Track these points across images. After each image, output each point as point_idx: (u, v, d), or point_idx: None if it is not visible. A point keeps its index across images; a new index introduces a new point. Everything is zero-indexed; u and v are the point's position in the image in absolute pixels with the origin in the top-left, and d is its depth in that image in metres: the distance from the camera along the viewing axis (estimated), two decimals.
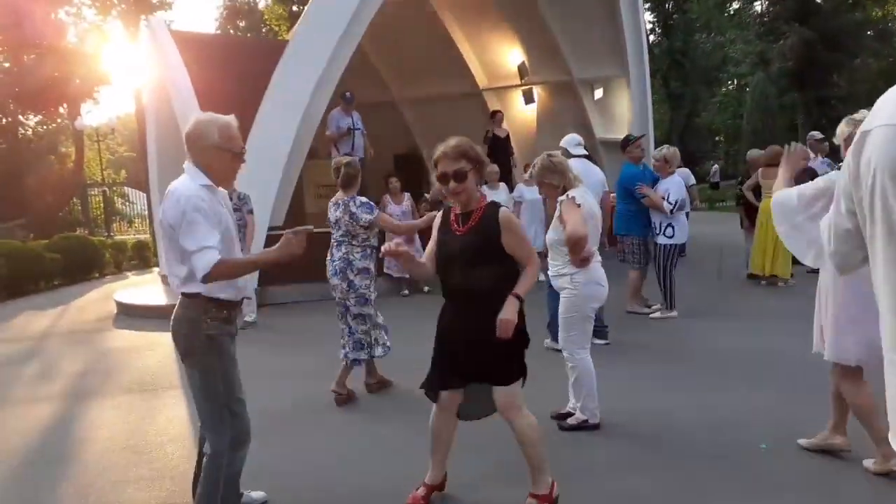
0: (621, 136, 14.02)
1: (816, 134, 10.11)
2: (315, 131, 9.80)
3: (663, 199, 6.99)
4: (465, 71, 15.06)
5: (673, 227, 7.10)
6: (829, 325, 3.41)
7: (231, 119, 2.94)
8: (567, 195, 4.11)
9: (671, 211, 6.96)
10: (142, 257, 18.22)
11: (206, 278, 2.72)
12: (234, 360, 2.98)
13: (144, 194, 22.70)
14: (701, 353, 5.86)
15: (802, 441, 3.72)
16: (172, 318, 2.90)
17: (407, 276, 9.22)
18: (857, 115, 3.41)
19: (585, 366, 4.13)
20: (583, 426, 4.15)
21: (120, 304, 9.90)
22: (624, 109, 14.04)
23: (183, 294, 2.88)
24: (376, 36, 10.40)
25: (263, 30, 33.30)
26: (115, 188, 29.66)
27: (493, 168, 9.31)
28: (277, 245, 2.86)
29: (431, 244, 3.27)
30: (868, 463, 3.46)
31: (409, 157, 15.08)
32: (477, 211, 3.13)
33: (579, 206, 4.04)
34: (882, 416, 3.34)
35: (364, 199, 5.01)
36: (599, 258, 4.24)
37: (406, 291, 9.55)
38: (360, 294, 4.99)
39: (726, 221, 15.48)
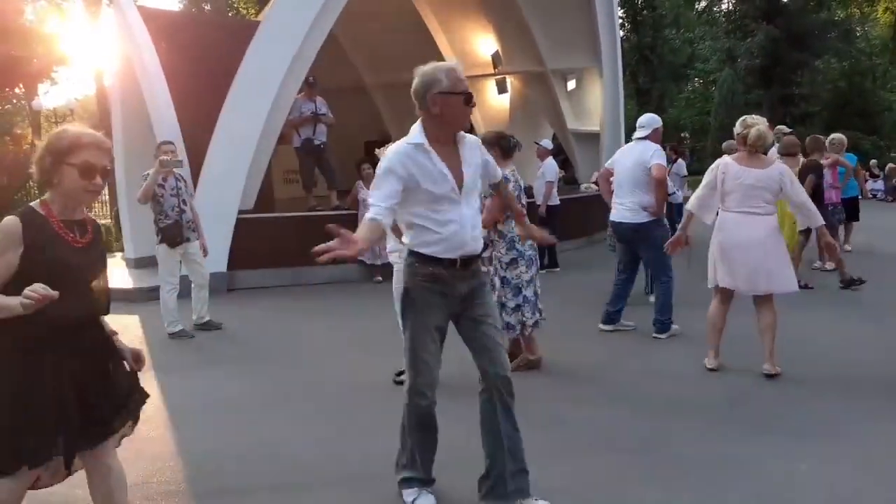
0: (593, 127, 14.27)
1: (784, 128, 10.57)
2: (286, 116, 9.65)
3: None
4: (437, 58, 14.71)
5: None
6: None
7: (455, 63, 2.99)
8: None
9: None
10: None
11: None
12: (424, 315, 2.96)
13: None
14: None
15: None
16: None
17: (379, 262, 9.13)
18: (748, 118, 4.80)
19: None
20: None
21: None
22: (596, 101, 14.11)
23: None
24: (347, 20, 10.22)
25: (230, 13, 32.63)
26: None
27: None
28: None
29: None
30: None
31: (380, 143, 14.91)
32: None
33: None
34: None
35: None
36: None
37: (379, 278, 9.45)
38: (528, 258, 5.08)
39: None
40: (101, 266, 2.51)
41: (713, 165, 4.93)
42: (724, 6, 35.18)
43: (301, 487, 3.40)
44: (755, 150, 4.71)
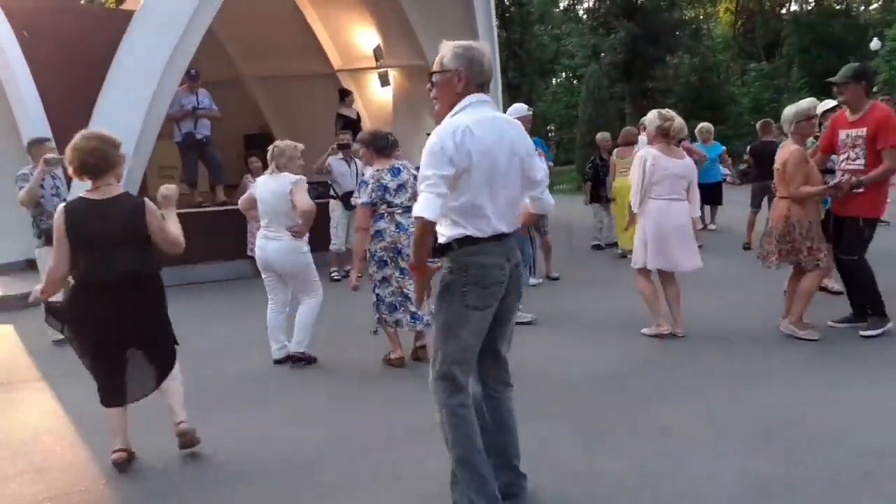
0: None
1: (645, 120, 11.60)
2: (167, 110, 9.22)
3: None
4: (318, 51, 14.78)
5: None
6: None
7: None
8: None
9: None
10: None
11: None
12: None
13: None
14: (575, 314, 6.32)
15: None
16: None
17: None
18: (665, 112, 5.30)
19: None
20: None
21: None
22: None
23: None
24: (223, 10, 9.84)
25: (87, 1, 30.31)
26: None
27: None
28: None
29: None
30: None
31: (259, 136, 14.58)
32: None
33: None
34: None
35: None
36: (279, 234, 5.04)
37: None
38: None
39: (564, 201, 16.23)
40: None
41: (639, 159, 5.26)
42: (586, 4, 36.88)
43: (230, 483, 3.39)
44: (673, 140, 5.20)
